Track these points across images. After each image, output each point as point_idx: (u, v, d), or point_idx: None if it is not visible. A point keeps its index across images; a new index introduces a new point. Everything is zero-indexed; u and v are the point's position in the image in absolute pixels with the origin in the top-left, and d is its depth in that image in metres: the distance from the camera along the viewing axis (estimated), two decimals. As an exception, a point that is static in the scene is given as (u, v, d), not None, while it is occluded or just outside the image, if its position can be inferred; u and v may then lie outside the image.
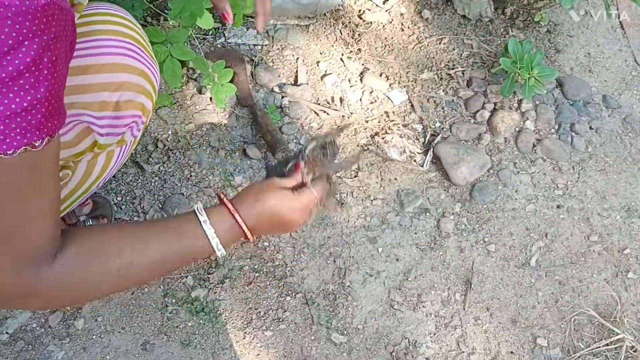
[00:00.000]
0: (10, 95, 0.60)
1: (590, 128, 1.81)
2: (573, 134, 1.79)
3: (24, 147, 0.62)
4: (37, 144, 0.64)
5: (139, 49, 0.99)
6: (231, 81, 1.61)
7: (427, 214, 1.60)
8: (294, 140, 1.67)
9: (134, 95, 0.98)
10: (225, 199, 0.88)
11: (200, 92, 1.69)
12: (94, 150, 1.05)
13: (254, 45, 1.82)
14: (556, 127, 1.80)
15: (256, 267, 1.46)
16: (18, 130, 0.61)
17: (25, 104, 0.61)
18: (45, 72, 0.62)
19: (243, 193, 0.91)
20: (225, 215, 0.87)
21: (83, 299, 0.85)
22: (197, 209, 0.86)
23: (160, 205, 1.51)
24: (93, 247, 0.76)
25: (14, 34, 0.57)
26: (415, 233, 1.57)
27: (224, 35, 1.83)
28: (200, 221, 0.84)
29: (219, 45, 1.81)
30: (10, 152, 0.62)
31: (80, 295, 0.80)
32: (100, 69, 0.94)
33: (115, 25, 0.98)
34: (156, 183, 1.54)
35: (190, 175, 1.57)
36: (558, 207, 1.66)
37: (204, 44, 1.79)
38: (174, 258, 0.83)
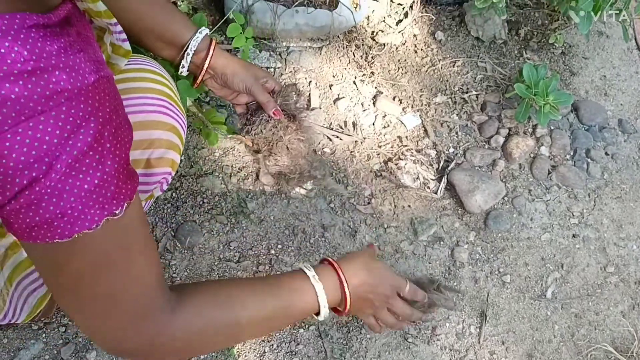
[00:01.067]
0: (80, 176, 0.61)
1: (606, 154, 1.79)
2: (589, 160, 1.77)
3: (105, 219, 0.64)
4: (117, 212, 0.65)
5: (169, 104, 1.00)
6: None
7: (441, 242, 1.58)
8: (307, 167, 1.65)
9: (164, 152, 0.99)
10: (331, 260, 0.92)
11: (200, 130, 1.68)
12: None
13: (267, 67, 1.81)
14: (571, 153, 1.78)
15: (269, 298, 1.44)
16: (96, 206, 0.63)
17: (96, 181, 0.62)
18: (108, 145, 0.63)
19: (349, 258, 0.95)
20: (330, 273, 0.89)
21: (203, 351, 0.88)
22: (305, 266, 0.89)
23: (173, 233, 1.49)
24: (215, 300, 0.78)
25: (71, 119, 0.58)
26: (429, 262, 1.55)
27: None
28: (309, 277, 0.86)
29: (231, 68, 1.80)
30: (94, 226, 0.63)
31: (201, 346, 0.80)
32: (133, 128, 0.94)
33: (148, 82, 0.99)
34: (168, 210, 1.53)
35: (203, 202, 1.55)
36: (574, 236, 1.63)
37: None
38: (284, 314, 0.84)
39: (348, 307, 0.90)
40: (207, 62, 1.10)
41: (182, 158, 1.60)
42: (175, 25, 1.07)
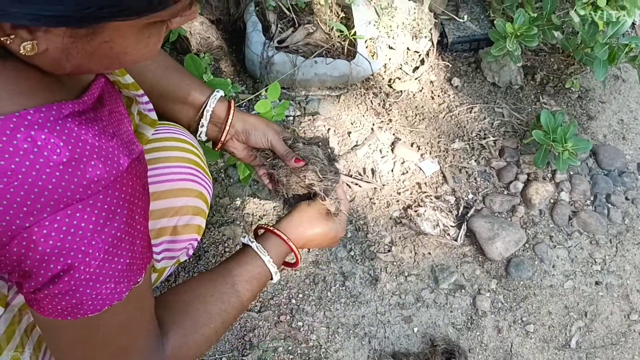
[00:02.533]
0: (115, 259, 0.64)
1: (627, 199, 1.79)
2: (609, 205, 1.76)
3: (131, 289, 0.68)
4: (139, 280, 0.70)
5: (196, 170, 1.02)
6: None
7: (463, 290, 1.58)
8: (327, 214, 1.67)
9: (190, 219, 1.01)
10: (277, 231, 1.00)
11: (234, 165, 1.71)
12: (150, 272, 1.07)
13: (286, 116, 1.85)
14: (592, 199, 1.77)
15: (290, 348, 1.44)
16: (126, 281, 0.67)
17: (128, 261, 0.66)
18: (139, 226, 0.67)
19: (293, 219, 1.03)
20: (280, 245, 1.00)
21: (201, 354, 0.93)
22: (258, 248, 0.98)
23: (195, 283, 1.51)
24: (189, 329, 0.84)
25: (106, 206, 0.61)
26: (451, 311, 1.54)
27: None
28: (264, 261, 0.97)
29: (252, 117, 1.84)
30: (122, 298, 0.67)
31: (197, 354, 0.88)
32: (161, 196, 0.96)
33: (175, 151, 1.02)
34: (190, 259, 1.55)
35: (225, 252, 1.57)
36: (597, 283, 1.62)
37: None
38: (248, 301, 0.94)
39: (299, 261, 1.06)
40: (229, 119, 1.05)
41: (204, 207, 1.63)
42: (192, 87, 1.06)
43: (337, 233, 1.06)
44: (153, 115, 0.90)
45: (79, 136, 0.59)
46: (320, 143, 1.15)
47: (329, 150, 1.16)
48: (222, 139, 1.10)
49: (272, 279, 0.98)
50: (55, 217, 0.58)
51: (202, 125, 1.06)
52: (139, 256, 0.68)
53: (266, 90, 1.43)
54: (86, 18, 0.52)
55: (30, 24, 0.52)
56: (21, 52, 0.55)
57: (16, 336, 0.90)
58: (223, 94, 1.10)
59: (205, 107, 1.06)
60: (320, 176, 1.03)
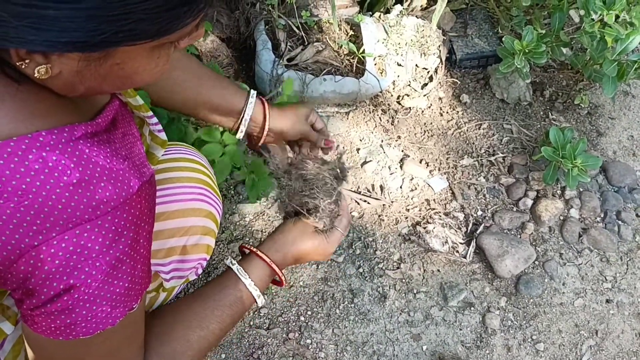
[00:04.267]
0: (115, 282, 0.64)
1: (637, 216, 1.78)
2: (620, 222, 1.75)
3: (126, 315, 0.68)
4: (135, 306, 0.69)
5: (206, 190, 1.03)
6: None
7: (472, 308, 1.57)
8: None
9: (199, 239, 1.01)
10: (259, 252, 0.95)
11: (243, 182, 1.72)
12: (158, 290, 1.08)
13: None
14: (602, 216, 1.76)
15: (299, 366, 1.44)
16: (122, 305, 0.67)
17: (127, 284, 0.66)
18: (142, 250, 0.67)
19: (276, 242, 0.98)
20: (262, 268, 0.95)
21: None
22: (238, 271, 0.93)
23: (204, 300, 1.51)
24: (166, 352, 0.82)
25: (114, 227, 0.61)
26: (460, 329, 1.54)
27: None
28: (245, 284, 0.92)
29: (261, 134, 1.85)
30: (117, 322, 0.67)
31: None
32: (170, 216, 0.98)
33: (185, 171, 1.03)
34: (200, 277, 1.55)
35: (234, 268, 1.58)
36: (607, 301, 1.61)
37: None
38: (230, 326, 0.91)
39: (284, 282, 1.00)
40: (266, 124, 1.09)
41: (214, 224, 1.64)
42: (227, 94, 1.08)
43: (326, 249, 1.00)
44: (163, 136, 0.92)
45: (90, 158, 0.61)
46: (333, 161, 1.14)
47: (340, 168, 1.14)
48: (261, 142, 1.13)
49: (256, 302, 0.94)
50: (63, 237, 0.59)
51: (241, 131, 1.10)
52: (138, 281, 0.68)
53: (281, 88, 1.46)
54: (100, 43, 0.53)
55: (47, 50, 0.54)
56: (35, 75, 0.56)
57: (22, 356, 0.91)
58: (256, 95, 1.11)
59: (243, 116, 1.08)
60: (321, 202, 1.02)
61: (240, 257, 0.99)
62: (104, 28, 0.52)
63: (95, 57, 0.57)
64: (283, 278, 0.98)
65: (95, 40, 0.53)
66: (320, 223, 0.99)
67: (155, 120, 0.89)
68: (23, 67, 0.56)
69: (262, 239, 1.61)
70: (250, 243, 1.62)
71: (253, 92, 1.10)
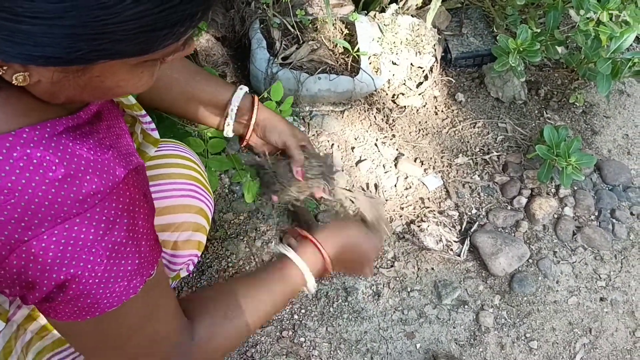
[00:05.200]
0: (122, 262, 0.65)
1: (632, 214, 1.78)
2: (614, 220, 1.75)
3: (145, 282, 0.69)
4: (152, 272, 0.71)
5: (197, 187, 1.04)
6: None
7: (466, 306, 1.57)
8: (330, 229, 1.67)
9: (190, 235, 1.02)
10: (307, 234, 0.96)
11: (239, 182, 1.72)
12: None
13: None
14: (596, 214, 1.77)
15: (292, 364, 1.44)
16: (139, 277, 0.68)
17: (137, 261, 0.67)
18: (142, 230, 0.68)
19: (326, 229, 0.99)
20: (311, 249, 0.94)
21: (228, 352, 0.95)
22: (284, 248, 0.94)
23: (198, 298, 1.51)
24: (223, 317, 0.84)
25: (104, 217, 0.62)
26: (454, 327, 1.54)
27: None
28: (291, 258, 0.92)
29: (256, 133, 1.85)
30: (138, 291, 0.68)
31: (222, 357, 0.89)
32: (161, 212, 0.98)
33: (176, 168, 1.03)
34: (194, 275, 1.56)
35: (228, 266, 1.58)
36: (601, 299, 1.61)
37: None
38: (281, 301, 0.91)
39: (330, 271, 0.97)
40: (254, 116, 1.06)
41: (208, 222, 1.64)
42: (215, 87, 1.06)
43: (372, 239, 1.01)
44: (156, 135, 0.92)
45: (73, 152, 0.61)
46: (323, 161, 1.16)
47: (329, 165, 1.16)
48: (247, 135, 1.09)
49: (307, 286, 0.94)
50: (53, 231, 0.59)
51: (228, 125, 1.07)
52: (147, 255, 0.69)
53: (269, 92, 1.45)
54: (76, 60, 0.53)
55: (22, 63, 0.54)
56: (14, 82, 0.56)
57: (13, 354, 0.91)
58: (247, 90, 1.09)
59: (230, 106, 1.05)
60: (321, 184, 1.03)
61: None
62: (80, 46, 0.51)
63: (74, 69, 0.56)
64: (329, 263, 0.95)
65: (71, 57, 0.52)
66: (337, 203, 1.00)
67: (148, 119, 0.89)
68: (1, 73, 0.56)
69: (257, 238, 1.61)
70: (246, 241, 1.62)
71: (243, 86, 1.08)
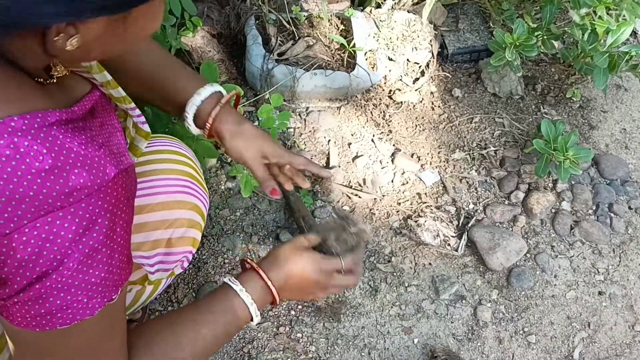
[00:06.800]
0: (90, 271, 0.63)
1: (630, 208, 1.77)
2: (612, 214, 1.75)
3: (104, 305, 0.66)
4: (114, 297, 0.67)
5: (191, 183, 1.02)
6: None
7: (464, 301, 1.56)
8: (327, 225, 1.66)
9: (185, 231, 1.00)
10: (253, 264, 0.89)
11: (234, 177, 1.71)
12: (144, 283, 1.07)
13: (287, 128, 1.85)
14: (594, 208, 1.76)
15: (289, 359, 1.44)
16: (99, 296, 0.65)
17: (103, 274, 0.64)
18: (119, 239, 0.65)
19: (270, 256, 0.92)
20: (256, 280, 0.88)
21: None
22: (230, 280, 0.88)
23: (194, 294, 1.51)
24: (157, 353, 0.79)
25: (87, 215, 0.60)
26: (452, 322, 1.53)
27: (258, 119, 1.86)
28: (236, 291, 0.86)
29: (252, 129, 1.85)
30: (94, 314, 0.65)
31: None
32: (155, 208, 0.96)
33: (170, 163, 1.01)
34: (190, 271, 1.55)
35: (224, 263, 1.57)
36: (600, 293, 1.60)
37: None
38: (223, 335, 0.85)
39: (278, 301, 0.90)
40: (210, 119, 0.95)
41: (204, 218, 1.63)
42: (177, 84, 0.97)
43: (321, 268, 0.91)
44: (146, 128, 0.90)
45: (63, 144, 0.59)
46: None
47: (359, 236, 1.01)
48: (206, 134, 0.99)
49: (251, 318, 0.88)
50: (35, 224, 0.57)
51: (186, 119, 0.97)
52: (115, 271, 0.66)
53: (270, 99, 1.44)
54: (121, 4, 0.56)
55: (75, 19, 0.55)
56: (67, 47, 0.58)
57: (5, 352, 0.90)
58: (219, 90, 0.98)
59: (186, 109, 0.96)
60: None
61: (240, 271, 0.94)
62: None
63: (115, 19, 0.59)
64: (275, 295, 0.89)
65: (117, 2, 0.56)
66: (314, 238, 0.94)
67: (138, 112, 0.88)
68: (58, 41, 0.57)
69: (253, 234, 1.60)
70: (242, 237, 1.61)
71: (215, 85, 0.98)
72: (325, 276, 0.93)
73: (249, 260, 0.91)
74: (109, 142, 0.67)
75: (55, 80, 0.68)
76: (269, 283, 0.88)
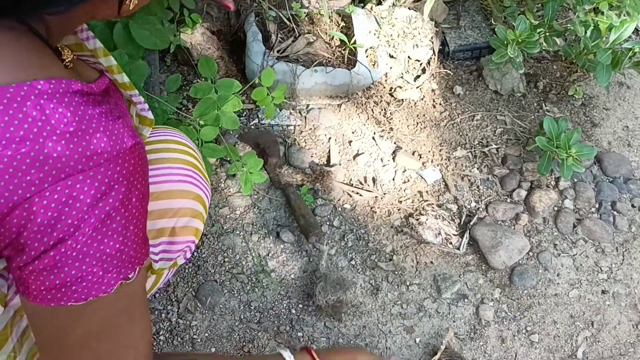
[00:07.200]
0: (105, 240, 0.63)
1: (633, 206, 1.76)
2: (615, 212, 1.73)
3: (120, 282, 0.65)
4: (131, 276, 0.67)
5: (195, 173, 1.02)
6: (264, 165, 1.63)
7: (466, 300, 1.55)
8: (327, 223, 1.65)
9: (188, 221, 1.00)
10: (312, 349, 1.00)
11: (234, 175, 1.70)
12: (147, 272, 1.06)
13: (287, 125, 1.84)
14: (597, 206, 1.74)
15: (290, 359, 1.42)
16: (115, 270, 0.64)
17: (117, 245, 0.64)
18: (134, 211, 0.65)
19: (332, 350, 1.05)
20: (305, 354, 0.99)
21: None
22: (286, 354, 0.97)
23: (194, 293, 1.49)
24: None
25: (107, 180, 0.61)
26: (454, 321, 1.52)
27: (258, 117, 1.85)
28: (284, 357, 0.96)
29: (252, 127, 1.83)
30: (109, 290, 0.65)
31: None
32: (160, 196, 0.96)
33: (174, 152, 1.02)
34: (190, 270, 1.53)
35: (224, 261, 1.56)
36: (603, 292, 1.59)
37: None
38: None
39: None
40: None
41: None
42: None
43: None
44: (150, 115, 0.90)
45: (86, 110, 0.60)
46: None
47: None
48: None
49: None
50: (55, 188, 0.58)
51: None
52: (131, 245, 0.66)
53: (259, 79, 1.43)
54: None
55: None
56: (131, 7, 0.67)
57: (9, 343, 0.89)
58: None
59: None
60: None
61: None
62: None
63: None
64: None
65: None
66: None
67: (141, 99, 0.88)
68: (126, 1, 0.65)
69: (253, 232, 1.59)
70: (242, 236, 1.60)
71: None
72: None
73: (309, 347, 1.02)
74: (124, 116, 0.68)
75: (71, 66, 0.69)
76: (315, 355, 0.99)
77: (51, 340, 0.69)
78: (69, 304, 0.64)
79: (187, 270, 1.52)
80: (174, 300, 1.48)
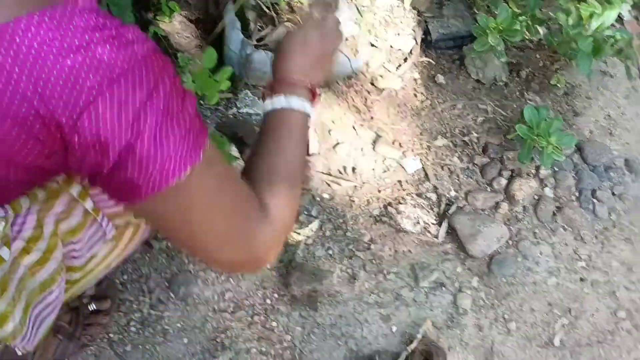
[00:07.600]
0: (174, 122, 0.67)
1: (613, 194, 1.75)
2: (595, 201, 1.72)
3: (202, 151, 0.70)
4: (205, 141, 0.72)
5: None
6: (241, 154, 1.62)
7: (443, 288, 1.54)
8: (305, 213, 1.64)
9: None
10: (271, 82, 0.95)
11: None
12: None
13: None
14: (577, 194, 1.74)
15: (264, 349, 1.40)
16: (193, 142, 0.69)
17: (187, 124, 0.69)
18: (183, 92, 0.70)
19: (277, 61, 0.97)
20: (287, 85, 0.93)
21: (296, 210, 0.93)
22: (280, 99, 0.92)
23: (167, 284, 1.47)
24: (278, 180, 0.84)
25: (151, 75, 0.66)
26: (431, 310, 1.50)
27: (236, 106, 1.83)
28: (301, 110, 0.91)
29: (230, 116, 1.81)
30: (198, 160, 0.70)
31: (293, 212, 0.87)
32: None
33: None
34: (163, 260, 1.51)
35: (199, 251, 1.54)
36: (581, 280, 1.58)
37: (215, 115, 1.80)
38: (301, 147, 0.91)
39: (317, 94, 0.97)
40: None
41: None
42: None
43: (332, 35, 0.99)
44: None
45: (114, 17, 0.67)
46: None
47: None
48: None
49: (309, 116, 0.93)
50: (112, 88, 0.62)
51: None
52: (197, 119, 0.71)
53: (200, 60, 1.42)
54: None
55: None
56: None
57: (8, 291, 0.87)
58: None
59: None
60: None
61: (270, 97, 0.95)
62: None
63: None
64: (301, 77, 0.93)
65: None
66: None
67: None
68: None
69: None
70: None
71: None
72: (329, 33, 0.99)
73: (265, 87, 0.95)
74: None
75: None
76: (299, 77, 0.93)
77: (180, 224, 0.74)
78: (173, 180, 0.68)
79: (159, 261, 1.51)
80: (146, 291, 1.46)
